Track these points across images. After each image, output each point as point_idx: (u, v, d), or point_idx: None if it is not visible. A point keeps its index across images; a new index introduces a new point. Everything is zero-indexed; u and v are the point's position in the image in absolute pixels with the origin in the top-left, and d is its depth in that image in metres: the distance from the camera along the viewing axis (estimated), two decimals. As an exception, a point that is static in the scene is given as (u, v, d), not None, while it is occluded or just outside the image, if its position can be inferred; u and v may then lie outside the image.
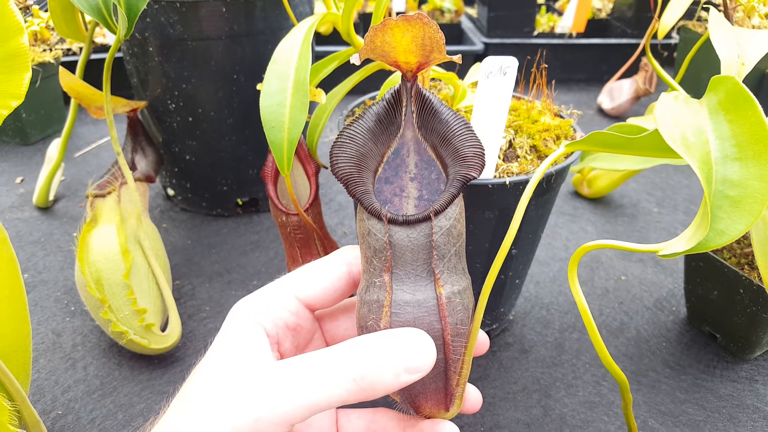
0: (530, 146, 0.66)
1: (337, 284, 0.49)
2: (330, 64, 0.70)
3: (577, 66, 1.79)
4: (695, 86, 1.14)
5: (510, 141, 0.67)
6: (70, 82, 0.86)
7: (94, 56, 1.39)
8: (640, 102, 1.60)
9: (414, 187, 0.49)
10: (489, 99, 0.56)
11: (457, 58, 0.46)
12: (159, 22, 0.87)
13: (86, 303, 0.76)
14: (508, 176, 0.61)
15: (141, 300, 0.75)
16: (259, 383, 0.39)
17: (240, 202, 1.09)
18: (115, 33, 0.73)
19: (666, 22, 1.06)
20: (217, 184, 1.05)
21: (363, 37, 0.46)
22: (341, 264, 0.49)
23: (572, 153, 0.65)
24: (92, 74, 0.98)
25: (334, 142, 0.46)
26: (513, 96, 0.78)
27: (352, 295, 0.52)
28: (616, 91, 1.58)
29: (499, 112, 0.57)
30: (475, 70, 0.74)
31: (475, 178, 0.45)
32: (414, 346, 0.41)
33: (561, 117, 0.74)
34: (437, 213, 0.43)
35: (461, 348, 0.45)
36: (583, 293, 0.50)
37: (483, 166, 0.45)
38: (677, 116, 0.49)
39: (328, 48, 1.49)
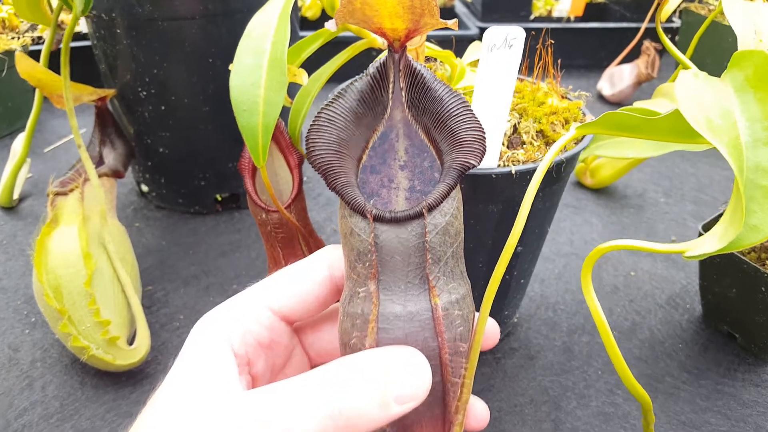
0: (537, 131, 0.60)
1: (317, 291, 0.42)
2: (314, 42, 0.64)
3: (575, 51, 1.75)
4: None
5: (515, 125, 0.60)
6: (29, 68, 0.78)
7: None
8: (642, 88, 1.55)
9: (404, 176, 0.42)
10: (492, 76, 0.50)
11: (452, 23, 0.38)
12: (126, 1, 0.80)
13: (45, 314, 0.69)
14: (514, 164, 0.55)
15: (104, 310, 0.68)
16: (221, 420, 0.33)
17: (219, 198, 1.02)
18: (71, 9, 0.66)
19: (669, 4, 1.00)
20: (194, 179, 0.99)
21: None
22: (322, 267, 0.43)
23: (583, 138, 0.59)
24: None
25: (311, 125, 0.39)
26: (516, 77, 0.71)
27: (338, 301, 0.45)
28: (617, 77, 1.53)
29: (503, 91, 0.50)
30: (475, 48, 0.68)
31: (474, 166, 0.38)
32: (405, 369, 0.35)
33: (568, 99, 0.67)
34: (431, 208, 0.36)
35: (461, 369, 0.38)
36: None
37: (483, 152, 0.38)
38: (700, 95, 0.43)
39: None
